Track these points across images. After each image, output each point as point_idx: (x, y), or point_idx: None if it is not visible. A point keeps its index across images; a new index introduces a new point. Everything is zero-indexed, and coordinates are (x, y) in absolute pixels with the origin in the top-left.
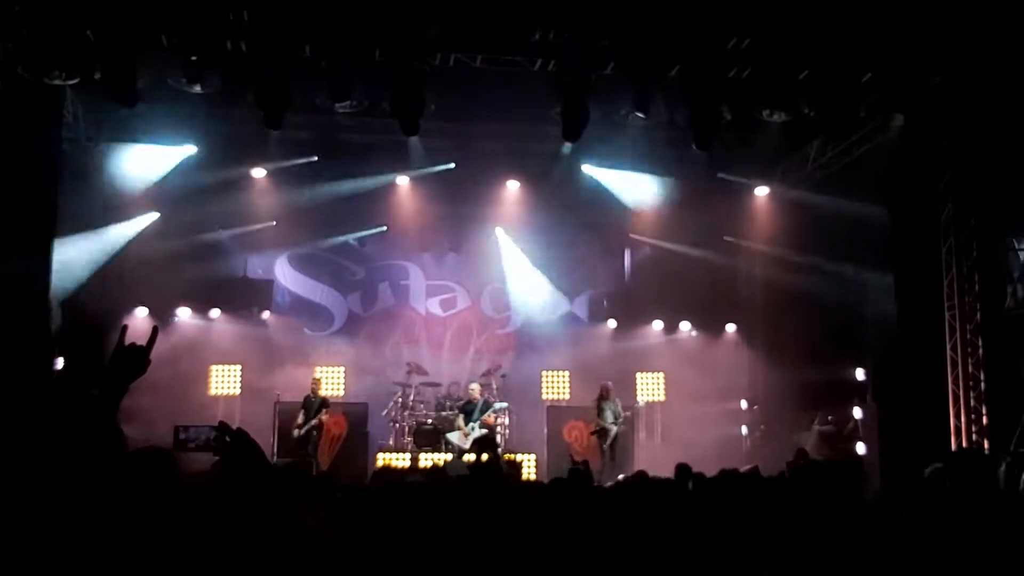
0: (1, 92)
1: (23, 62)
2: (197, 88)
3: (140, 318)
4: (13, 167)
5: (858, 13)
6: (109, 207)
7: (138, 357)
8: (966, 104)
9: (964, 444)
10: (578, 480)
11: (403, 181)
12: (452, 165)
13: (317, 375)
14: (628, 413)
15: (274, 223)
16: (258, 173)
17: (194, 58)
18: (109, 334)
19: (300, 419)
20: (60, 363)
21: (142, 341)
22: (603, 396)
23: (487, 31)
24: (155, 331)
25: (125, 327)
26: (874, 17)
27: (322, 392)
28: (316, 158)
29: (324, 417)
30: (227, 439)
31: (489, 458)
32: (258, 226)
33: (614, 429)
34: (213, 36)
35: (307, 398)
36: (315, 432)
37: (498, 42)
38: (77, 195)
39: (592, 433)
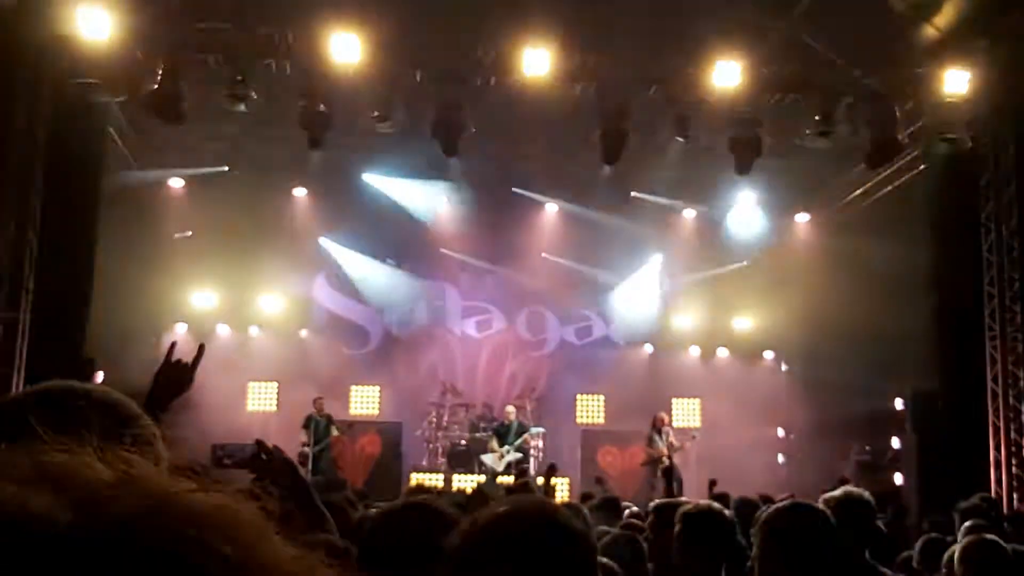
0: (48, 108)
1: (71, 79)
2: (241, 107)
3: (180, 334)
4: (58, 183)
5: (901, 38)
6: (148, 222)
7: (183, 374)
8: (1011, 132)
9: (1004, 478)
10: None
11: (441, 202)
12: (493, 186)
13: (319, 395)
14: (685, 444)
15: (310, 241)
16: (298, 192)
17: (239, 78)
18: (148, 350)
19: (303, 437)
20: (100, 378)
21: (186, 358)
22: (656, 427)
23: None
24: (201, 348)
25: (174, 344)
26: (917, 43)
27: (326, 411)
28: (353, 178)
29: (336, 434)
30: (264, 457)
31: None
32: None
33: (666, 462)
34: (257, 56)
35: (310, 418)
36: (326, 451)
37: (538, 65)
38: (119, 209)
39: (643, 464)
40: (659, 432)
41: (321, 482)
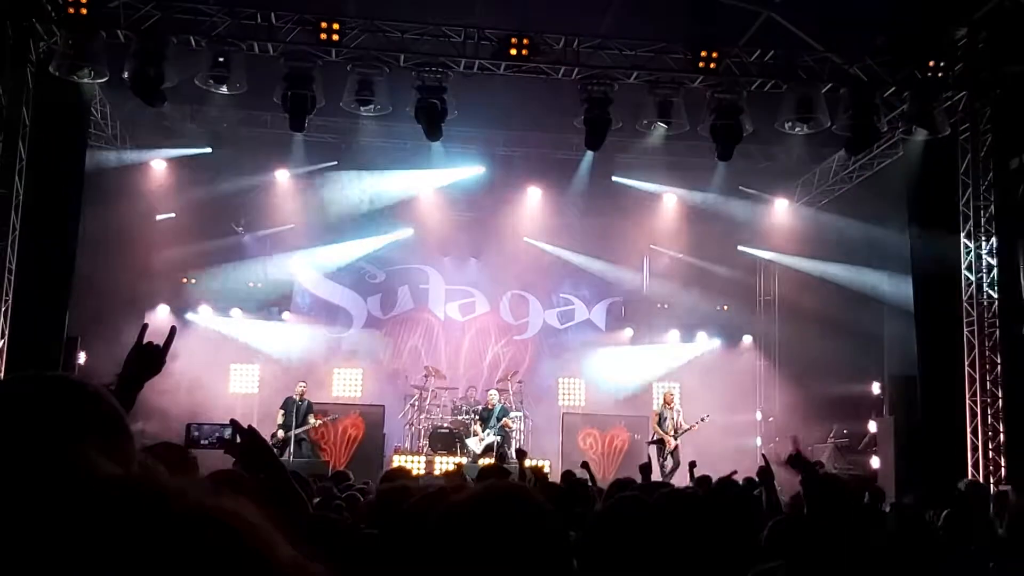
0: (32, 90)
1: (54, 60)
2: (223, 89)
3: (161, 316)
4: (42, 164)
5: (881, 28)
6: (131, 204)
7: (154, 356)
8: (988, 120)
9: (980, 461)
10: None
11: (425, 186)
12: (477, 170)
13: (304, 380)
14: (694, 426)
15: (291, 226)
16: (281, 176)
17: (221, 59)
18: (131, 331)
19: (280, 419)
20: (82, 358)
21: (162, 340)
22: (667, 404)
23: (512, 39)
24: (172, 331)
25: (145, 326)
26: (898, 32)
27: (307, 397)
28: (337, 162)
29: (314, 422)
30: (238, 437)
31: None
32: (279, 228)
33: (673, 442)
34: (240, 38)
35: (289, 399)
36: (305, 438)
37: (522, 50)
38: (102, 190)
39: (650, 443)
40: (669, 410)
41: (302, 464)
